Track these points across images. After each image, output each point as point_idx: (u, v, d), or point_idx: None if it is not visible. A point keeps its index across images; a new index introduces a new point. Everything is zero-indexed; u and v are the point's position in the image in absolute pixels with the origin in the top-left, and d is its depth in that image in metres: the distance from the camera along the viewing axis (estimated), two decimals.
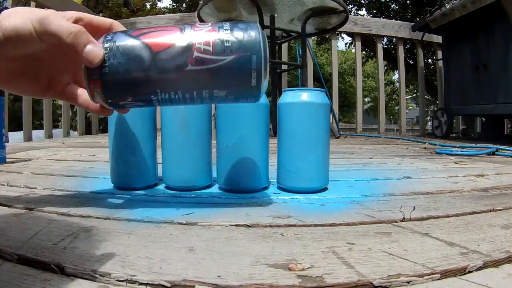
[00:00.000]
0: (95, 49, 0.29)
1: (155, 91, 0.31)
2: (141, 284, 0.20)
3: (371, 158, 0.87)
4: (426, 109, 3.86)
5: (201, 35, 0.30)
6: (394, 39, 2.81)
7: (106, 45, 0.30)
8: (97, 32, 0.35)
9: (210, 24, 0.32)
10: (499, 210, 0.37)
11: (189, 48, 0.30)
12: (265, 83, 0.32)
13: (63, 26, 0.29)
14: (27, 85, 0.35)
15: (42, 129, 1.81)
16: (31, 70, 0.34)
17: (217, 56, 0.30)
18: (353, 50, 3.36)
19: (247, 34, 0.31)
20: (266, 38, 0.32)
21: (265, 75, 0.31)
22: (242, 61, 0.30)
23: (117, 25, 0.35)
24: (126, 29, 0.33)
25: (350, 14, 2.20)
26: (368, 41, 3.72)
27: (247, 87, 0.31)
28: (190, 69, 0.30)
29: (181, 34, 0.30)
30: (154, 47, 0.30)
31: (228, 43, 0.30)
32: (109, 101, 0.31)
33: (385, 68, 5.17)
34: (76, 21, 0.32)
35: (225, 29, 0.31)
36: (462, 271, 0.22)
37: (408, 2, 5.30)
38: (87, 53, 0.29)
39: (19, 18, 0.28)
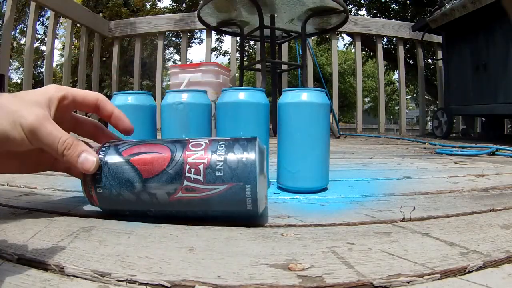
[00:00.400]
0: (89, 158, 0.29)
1: (148, 209, 0.31)
2: (141, 284, 0.20)
3: (371, 158, 0.87)
4: (426, 109, 3.86)
5: (192, 162, 0.29)
6: (394, 39, 2.81)
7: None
8: (82, 107, 0.34)
9: (204, 145, 0.31)
10: (499, 210, 0.37)
11: (178, 177, 0.29)
12: (262, 206, 0.31)
13: (56, 141, 0.28)
14: (16, 167, 0.34)
15: None
16: (19, 154, 0.33)
17: (208, 186, 0.29)
18: (353, 50, 3.36)
19: (242, 161, 0.29)
20: (265, 154, 0.31)
21: (262, 199, 0.31)
22: (235, 191, 0.29)
23: (103, 100, 0.34)
24: (118, 144, 0.32)
25: (350, 14, 2.20)
26: (368, 41, 3.72)
27: (242, 210, 0.30)
28: (181, 196, 0.29)
29: (172, 158, 0.30)
30: (144, 172, 0.30)
31: (220, 172, 0.29)
32: (107, 210, 0.33)
33: (385, 68, 5.17)
34: (60, 100, 0.31)
35: (219, 154, 0.30)
36: (462, 271, 0.22)
37: (408, 2, 5.31)
38: (82, 164, 0.29)
39: (6, 121, 0.27)
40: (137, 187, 0.30)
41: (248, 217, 0.31)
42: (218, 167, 0.29)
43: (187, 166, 0.29)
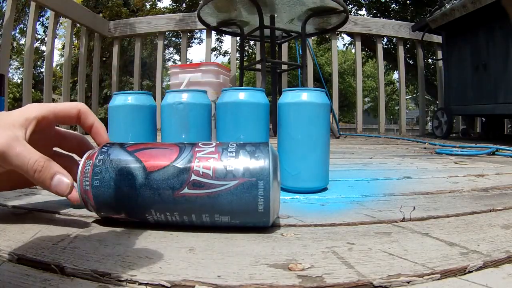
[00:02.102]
0: (62, 181, 0.27)
1: (149, 210, 0.29)
2: (141, 284, 0.20)
3: (371, 158, 0.87)
4: (426, 109, 3.86)
5: (202, 157, 0.29)
6: (394, 39, 2.81)
7: (100, 157, 0.29)
8: (65, 121, 0.33)
9: (214, 144, 0.30)
10: (499, 210, 0.37)
11: (186, 170, 0.28)
12: (276, 209, 0.29)
13: (25, 162, 0.26)
14: None
15: None
16: None
17: (218, 181, 0.28)
18: (353, 50, 3.36)
19: (254, 157, 0.29)
20: (278, 160, 0.30)
21: (276, 201, 0.29)
22: (246, 187, 0.28)
23: (84, 110, 0.33)
24: (123, 142, 0.32)
25: (350, 14, 2.20)
26: (368, 41, 3.72)
27: (253, 213, 0.28)
28: (187, 192, 0.28)
29: (180, 154, 0.29)
30: (148, 166, 0.28)
31: (231, 167, 0.28)
32: (102, 213, 0.31)
33: (385, 68, 5.17)
34: (40, 120, 0.30)
35: (230, 151, 0.29)
36: (462, 271, 0.22)
37: (408, 2, 5.31)
38: (55, 187, 0.27)
39: None
40: (139, 180, 0.28)
41: (261, 223, 0.29)
42: (229, 161, 0.28)
43: (196, 160, 0.28)
